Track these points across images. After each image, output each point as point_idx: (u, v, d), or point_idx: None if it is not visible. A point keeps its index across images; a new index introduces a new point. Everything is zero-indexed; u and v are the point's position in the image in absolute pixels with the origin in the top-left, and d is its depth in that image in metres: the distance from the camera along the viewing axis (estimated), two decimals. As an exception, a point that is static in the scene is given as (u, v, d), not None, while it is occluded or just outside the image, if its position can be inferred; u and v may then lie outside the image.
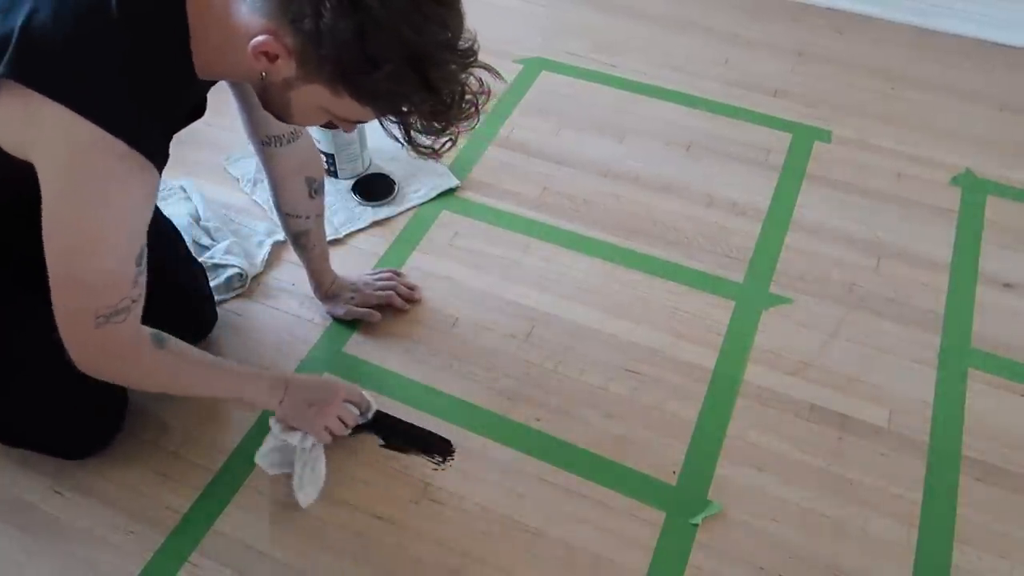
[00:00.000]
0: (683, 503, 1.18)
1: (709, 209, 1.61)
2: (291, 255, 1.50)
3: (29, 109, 0.81)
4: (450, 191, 1.62)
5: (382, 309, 1.39)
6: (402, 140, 0.87)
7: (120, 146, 0.82)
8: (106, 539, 1.13)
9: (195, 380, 1.07)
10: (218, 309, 1.37)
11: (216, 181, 1.63)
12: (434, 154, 0.88)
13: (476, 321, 1.41)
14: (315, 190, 1.27)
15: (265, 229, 1.54)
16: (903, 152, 1.73)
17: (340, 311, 1.39)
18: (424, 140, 0.86)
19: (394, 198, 1.60)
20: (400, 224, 1.57)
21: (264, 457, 1.15)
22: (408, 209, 1.59)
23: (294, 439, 1.13)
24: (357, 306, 1.39)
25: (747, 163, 1.70)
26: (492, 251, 1.52)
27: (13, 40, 0.79)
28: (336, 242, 1.52)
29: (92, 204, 0.85)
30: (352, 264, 1.48)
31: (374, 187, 1.61)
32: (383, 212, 1.58)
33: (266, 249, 1.50)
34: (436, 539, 1.14)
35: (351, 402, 1.19)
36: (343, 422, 1.17)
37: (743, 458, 1.23)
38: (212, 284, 1.39)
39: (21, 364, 1.09)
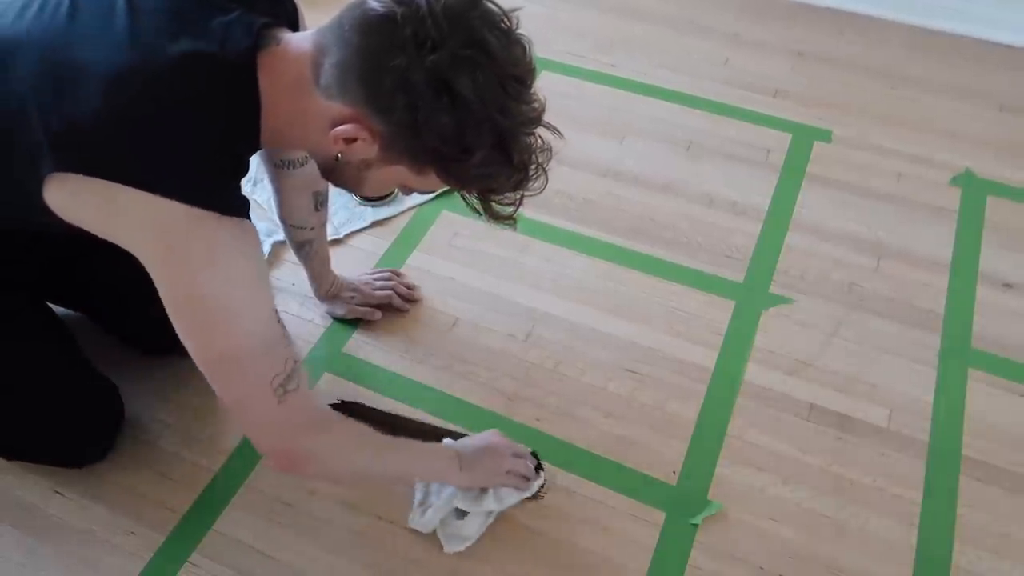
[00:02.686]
0: (683, 503, 1.18)
1: (709, 209, 1.61)
2: (291, 255, 1.50)
3: (109, 198, 0.78)
4: (450, 191, 1.62)
5: (382, 308, 1.39)
6: (481, 211, 0.87)
7: (209, 215, 0.80)
8: (106, 539, 1.13)
9: (382, 453, 1.03)
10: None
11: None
12: (511, 221, 0.88)
13: (476, 321, 1.41)
14: (320, 203, 1.26)
15: (265, 229, 1.54)
16: (903, 152, 1.73)
17: (341, 310, 1.38)
18: (501, 209, 0.87)
19: (394, 198, 1.60)
20: (400, 224, 1.57)
21: (454, 538, 1.12)
22: (408, 209, 1.59)
23: (488, 505, 1.12)
24: (358, 305, 1.39)
25: (747, 163, 1.70)
26: (492, 251, 1.52)
27: (75, 131, 0.77)
28: (336, 242, 1.52)
29: (208, 275, 0.81)
30: (352, 264, 1.48)
31: (374, 187, 1.61)
32: (383, 212, 1.58)
33: (266, 249, 1.50)
34: (436, 539, 1.14)
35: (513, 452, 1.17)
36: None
37: (743, 458, 1.23)
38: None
39: (14, 379, 1.08)
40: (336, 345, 1.37)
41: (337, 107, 0.80)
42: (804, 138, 1.76)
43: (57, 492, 1.18)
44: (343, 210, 1.58)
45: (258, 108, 0.84)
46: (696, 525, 1.16)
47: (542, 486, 1.18)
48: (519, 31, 0.80)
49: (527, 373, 1.33)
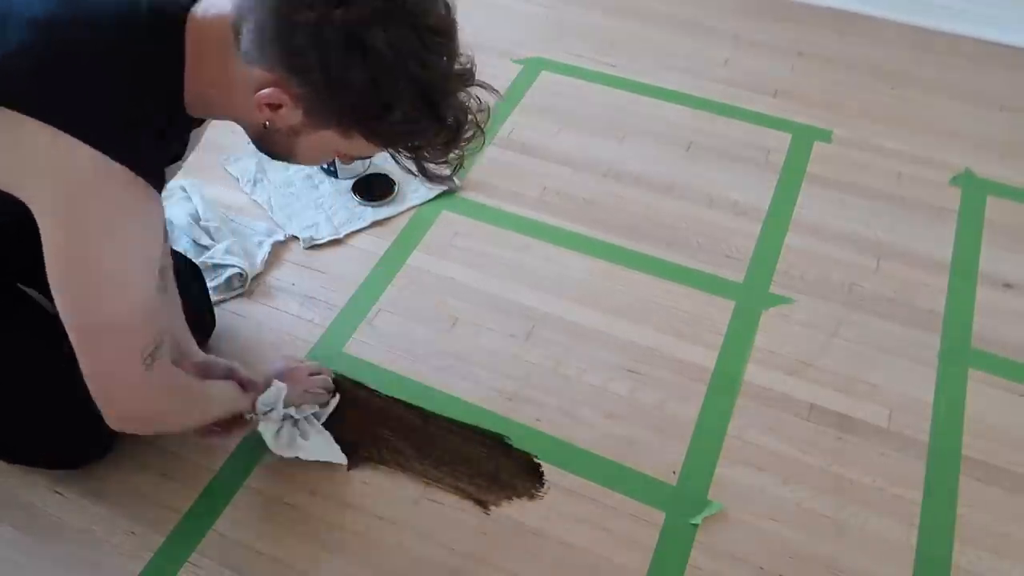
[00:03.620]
0: (683, 503, 1.18)
1: (709, 209, 1.61)
2: (291, 255, 1.50)
3: (17, 134, 0.76)
4: (450, 191, 1.62)
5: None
6: (415, 171, 0.86)
7: (124, 173, 0.78)
8: (106, 539, 1.13)
9: (205, 400, 1.05)
10: (218, 309, 1.37)
11: (216, 181, 1.63)
12: (448, 180, 0.89)
13: (476, 321, 1.41)
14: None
15: (265, 229, 1.54)
16: (903, 152, 1.73)
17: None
18: (436, 168, 0.86)
19: (394, 198, 1.60)
20: (400, 224, 1.57)
21: (276, 442, 1.16)
22: (408, 209, 1.59)
23: (280, 403, 1.15)
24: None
25: (747, 163, 1.70)
26: (492, 251, 1.52)
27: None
28: (336, 242, 1.52)
29: (107, 238, 0.79)
30: (352, 264, 1.48)
31: (374, 187, 1.61)
32: (383, 212, 1.58)
33: (266, 249, 1.50)
34: (437, 539, 1.14)
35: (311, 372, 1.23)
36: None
37: (743, 458, 1.23)
38: (212, 284, 1.39)
39: (13, 380, 1.07)
40: (336, 345, 1.37)
41: (258, 72, 0.79)
42: (804, 138, 1.76)
43: (57, 492, 1.18)
44: (343, 210, 1.58)
45: (182, 66, 0.82)
46: (696, 525, 1.16)
47: (541, 483, 1.19)
48: None
49: (527, 373, 1.33)
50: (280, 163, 1.63)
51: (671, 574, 1.11)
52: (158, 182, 0.83)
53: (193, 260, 1.38)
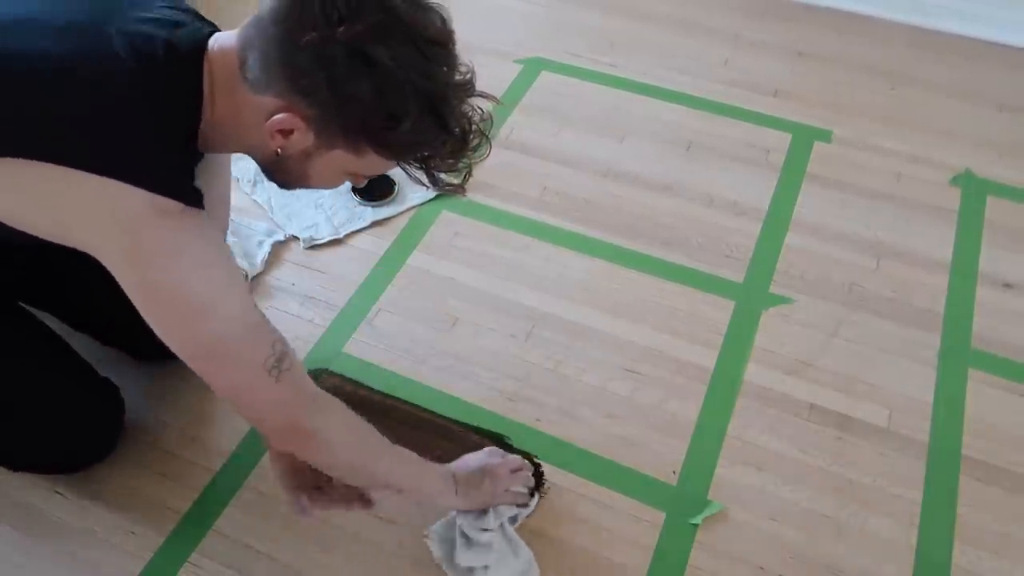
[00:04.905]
0: (683, 503, 1.18)
1: (709, 209, 1.61)
2: (291, 255, 1.50)
3: (63, 187, 0.77)
4: (446, 195, 1.62)
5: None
6: (427, 182, 0.87)
7: (174, 205, 0.79)
8: (106, 540, 1.13)
9: (382, 450, 0.99)
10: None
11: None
12: (459, 189, 0.89)
13: (476, 321, 1.41)
14: None
15: (265, 229, 1.54)
16: (903, 152, 1.73)
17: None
18: (447, 178, 0.87)
19: (394, 198, 1.60)
20: (400, 224, 1.57)
21: (456, 563, 1.08)
22: (408, 209, 1.59)
23: (488, 523, 1.09)
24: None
25: (747, 163, 1.70)
26: (492, 251, 1.52)
27: (22, 117, 0.76)
28: (336, 242, 1.52)
29: (181, 266, 0.80)
30: (352, 264, 1.48)
31: (374, 187, 1.61)
32: (383, 212, 1.58)
33: (266, 249, 1.50)
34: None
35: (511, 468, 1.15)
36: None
37: (743, 458, 1.23)
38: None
39: (14, 382, 1.07)
40: (336, 345, 1.37)
41: (267, 100, 0.80)
42: (804, 138, 1.76)
43: (57, 492, 1.18)
44: (343, 210, 1.58)
45: (200, 103, 0.84)
46: (696, 525, 1.16)
47: (542, 484, 1.18)
48: (432, 2, 0.81)
49: (527, 373, 1.33)
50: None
51: (671, 574, 1.11)
52: (200, 203, 0.84)
53: None
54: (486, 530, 1.09)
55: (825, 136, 1.77)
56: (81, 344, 1.18)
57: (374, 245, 1.53)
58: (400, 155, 0.84)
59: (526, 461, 1.18)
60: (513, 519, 1.13)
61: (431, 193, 1.61)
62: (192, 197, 0.82)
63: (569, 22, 2.08)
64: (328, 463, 1.00)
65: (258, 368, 0.85)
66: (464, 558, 1.08)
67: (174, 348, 0.84)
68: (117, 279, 0.81)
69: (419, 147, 0.83)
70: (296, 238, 1.53)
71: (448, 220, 1.57)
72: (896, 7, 2.09)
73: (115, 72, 0.79)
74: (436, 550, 1.11)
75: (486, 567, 1.08)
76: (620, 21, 2.08)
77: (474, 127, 0.84)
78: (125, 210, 0.77)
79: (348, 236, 1.54)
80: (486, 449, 1.17)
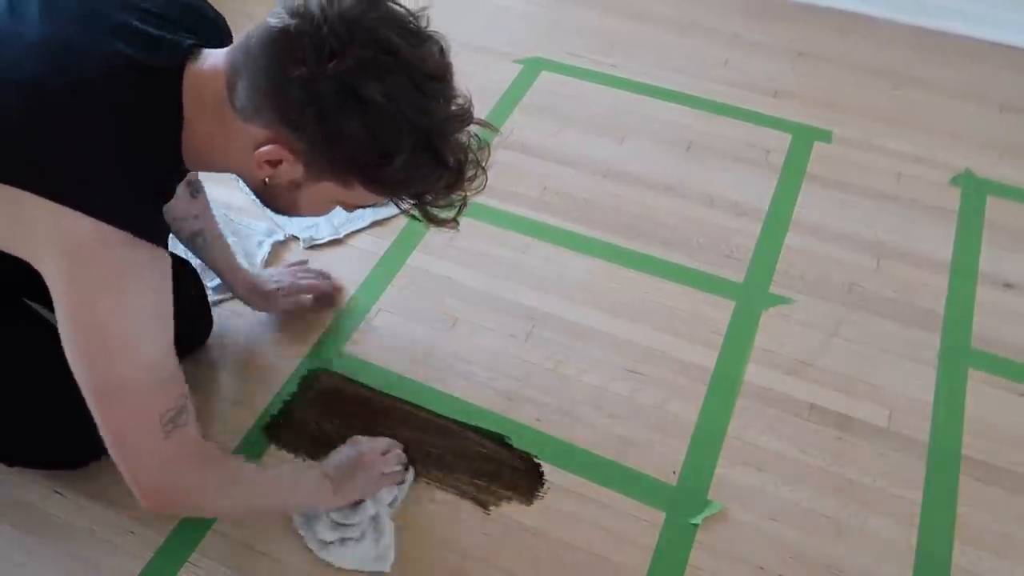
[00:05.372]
0: (683, 503, 1.18)
1: (709, 209, 1.61)
2: (291, 255, 1.50)
3: (17, 209, 0.75)
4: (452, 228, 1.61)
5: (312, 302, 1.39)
6: (420, 217, 0.85)
7: (120, 236, 0.77)
8: (106, 539, 1.13)
9: (254, 489, 1.01)
10: (216, 310, 1.37)
11: (215, 181, 1.62)
12: (452, 224, 0.87)
13: (476, 321, 1.41)
14: (195, 190, 1.24)
15: (265, 229, 1.54)
16: (903, 152, 1.73)
17: (274, 305, 1.34)
18: (441, 214, 0.85)
19: (394, 198, 1.60)
20: (400, 224, 1.57)
21: (331, 551, 1.10)
22: (408, 209, 1.59)
23: (364, 513, 1.11)
24: (285, 296, 1.34)
25: (747, 163, 1.70)
26: (492, 251, 1.52)
27: None
28: (336, 242, 1.52)
29: (113, 302, 0.78)
30: (353, 264, 1.48)
31: (374, 187, 1.61)
32: (383, 212, 1.58)
33: (266, 249, 1.50)
34: (437, 539, 1.14)
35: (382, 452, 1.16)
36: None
37: (743, 458, 1.23)
38: (212, 284, 1.39)
39: (14, 381, 1.07)
40: (336, 345, 1.37)
41: (255, 129, 0.79)
42: (804, 138, 1.76)
43: (57, 492, 1.18)
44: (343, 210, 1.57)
45: (180, 125, 0.82)
46: (696, 525, 1.16)
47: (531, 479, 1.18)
48: (430, 30, 0.79)
49: (527, 373, 1.33)
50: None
51: (671, 574, 1.11)
52: (161, 237, 0.83)
53: (191, 260, 1.38)
54: (355, 517, 1.11)
55: (825, 136, 1.76)
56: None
57: (374, 245, 1.53)
58: (391, 192, 0.83)
59: (393, 440, 1.19)
60: (392, 503, 1.14)
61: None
62: (144, 229, 0.79)
63: (569, 22, 2.08)
64: (200, 515, 1.05)
65: (153, 419, 0.84)
66: (326, 533, 1.10)
67: (78, 377, 0.82)
68: (52, 297, 0.79)
69: (412, 184, 0.81)
70: (296, 238, 1.53)
71: (448, 220, 1.57)
72: (898, 7, 2.09)
73: (85, 96, 0.77)
74: (297, 522, 1.12)
75: (343, 540, 1.10)
76: (620, 21, 2.08)
77: (470, 157, 0.82)
78: (68, 237, 0.75)
79: (348, 236, 1.54)
80: (349, 440, 1.17)
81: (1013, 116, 1.83)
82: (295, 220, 1.55)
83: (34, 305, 1.15)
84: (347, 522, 1.11)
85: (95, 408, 0.84)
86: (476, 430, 1.25)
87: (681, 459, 1.23)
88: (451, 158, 0.79)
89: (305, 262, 1.46)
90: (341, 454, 1.15)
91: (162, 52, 0.81)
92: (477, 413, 1.28)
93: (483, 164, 0.84)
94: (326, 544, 1.10)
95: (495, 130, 0.85)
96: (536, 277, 1.48)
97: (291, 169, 0.81)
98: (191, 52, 0.83)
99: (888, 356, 1.37)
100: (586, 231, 1.56)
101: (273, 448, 1.22)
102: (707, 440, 1.25)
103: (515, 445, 1.23)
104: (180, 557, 1.11)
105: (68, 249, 0.76)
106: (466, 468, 1.21)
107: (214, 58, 0.83)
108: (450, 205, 0.85)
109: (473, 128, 0.83)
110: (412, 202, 0.84)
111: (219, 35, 0.93)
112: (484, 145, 0.84)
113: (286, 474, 1.10)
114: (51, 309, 1.21)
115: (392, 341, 1.37)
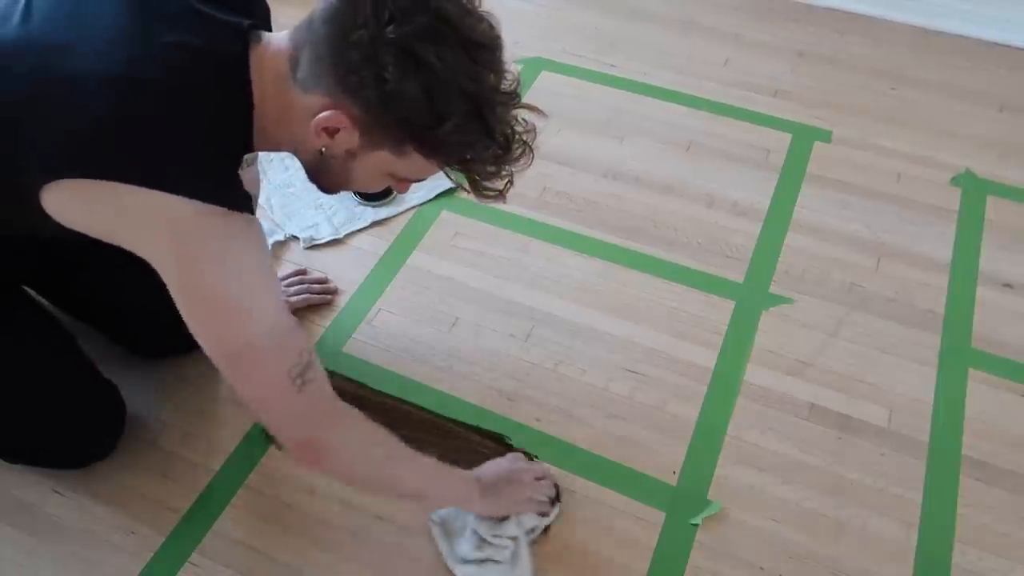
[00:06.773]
0: (683, 503, 1.18)
1: (709, 209, 1.61)
2: (291, 255, 1.50)
3: (115, 200, 0.79)
4: (450, 191, 1.62)
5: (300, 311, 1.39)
6: (468, 187, 0.88)
7: (217, 211, 0.81)
8: (107, 540, 1.13)
9: (400, 459, 0.99)
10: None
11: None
12: (500, 197, 0.89)
13: (476, 321, 1.41)
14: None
15: (265, 229, 1.54)
16: (903, 152, 1.73)
17: None
18: (489, 184, 0.88)
19: (394, 198, 1.60)
20: (400, 224, 1.57)
21: (468, 570, 1.08)
22: (408, 209, 1.59)
23: (510, 533, 1.09)
24: None
25: (747, 163, 1.70)
26: (492, 251, 1.52)
27: (75, 139, 0.78)
28: (336, 242, 1.52)
29: (218, 273, 0.83)
30: (352, 264, 1.49)
31: (374, 187, 1.61)
32: (383, 212, 1.58)
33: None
34: (435, 538, 1.14)
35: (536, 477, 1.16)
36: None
37: (743, 458, 1.23)
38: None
39: (15, 381, 1.08)
40: (336, 345, 1.37)
41: (314, 98, 0.82)
42: (804, 138, 1.76)
43: (57, 492, 1.18)
44: (343, 210, 1.58)
45: (251, 106, 0.86)
46: (696, 525, 1.16)
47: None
48: (482, 9, 0.82)
49: (527, 373, 1.33)
50: (279, 164, 1.64)
51: (671, 574, 1.11)
52: (248, 206, 0.86)
53: None
54: (500, 536, 1.09)
55: (825, 136, 1.76)
56: (83, 343, 1.18)
57: (374, 245, 1.53)
58: (443, 156, 0.85)
59: (549, 469, 1.18)
60: (531, 532, 1.12)
61: (430, 193, 1.61)
62: (236, 201, 0.83)
63: (570, 22, 2.08)
64: (345, 477, 1.03)
65: (283, 376, 0.86)
66: (466, 551, 1.08)
67: (206, 348, 0.86)
68: (164, 279, 0.83)
69: (463, 149, 0.83)
70: (296, 238, 1.53)
71: (448, 220, 1.57)
72: (896, 7, 2.09)
73: (167, 90, 0.80)
74: (436, 533, 1.11)
75: (483, 561, 1.08)
76: (620, 21, 2.08)
77: (517, 136, 0.85)
78: (171, 219, 0.80)
79: (348, 236, 1.54)
80: (509, 455, 1.18)
81: (1013, 116, 1.83)
82: (295, 220, 1.55)
83: (35, 301, 1.16)
84: (494, 540, 1.09)
85: (229, 376, 0.88)
86: (476, 430, 1.25)
87: (681, 459, 1.23)
88: (498, 131, 0.82)
89: (303, 271, 1.45)
90: (497, 464, 1.15)
91: (228, 38, 0.85)
92: (477, 413, 1.28)
93: (529, 144, 0.87)
94: (467, 562, 1.08)
95: (543, 115, 0.88)
96: (536, 277, 1.48)
97: (348, 138, 0.83)
98: (252, 34, 0.86)
99: (888, 356, 1.37)
100: (586, 231, 1.56)
101: (273, 449, 1.22)
102: (707, 440, 1.25)
103: (515, 445, 1.23)
104: (180, 557, 1.12)
105: (174, 231, 0.80)
106: (466, 468, 1.20)
107: (277, 38, 0.86)
108: (499, 178, 0.87)
109: (521, 112, 0.86)
110: (461, 170, 0.86)
111: (263, 12, 0.96)
112: (531, 127, 0.87)
113: (437, 463, 1.05)
114: (51, 300, 1.22)
115: (392, 341, 1.38)
